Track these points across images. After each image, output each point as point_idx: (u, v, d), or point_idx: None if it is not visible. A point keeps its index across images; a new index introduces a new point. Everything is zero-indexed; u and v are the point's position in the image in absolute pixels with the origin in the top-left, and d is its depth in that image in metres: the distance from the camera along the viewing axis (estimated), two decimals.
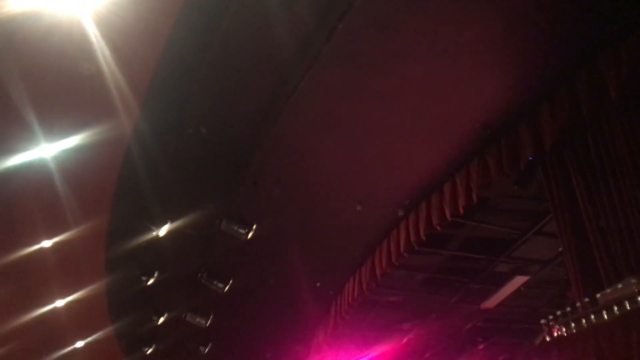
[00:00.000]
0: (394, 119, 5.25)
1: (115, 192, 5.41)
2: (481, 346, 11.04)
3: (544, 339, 3.83)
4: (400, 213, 6.63)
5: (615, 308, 3.34)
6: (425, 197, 6.31)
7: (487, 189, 5.80)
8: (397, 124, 5.31)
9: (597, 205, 4.77)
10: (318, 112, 5.15)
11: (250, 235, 6.18)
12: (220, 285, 7.24)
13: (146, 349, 8.91)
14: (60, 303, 7.18)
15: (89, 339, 8.37)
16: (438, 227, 6.22)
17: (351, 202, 6.41)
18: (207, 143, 5.26)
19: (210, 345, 9.21)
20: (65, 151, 4.85)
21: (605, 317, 3.36)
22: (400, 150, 5.68)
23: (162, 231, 6.00)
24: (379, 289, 8.02)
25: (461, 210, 5.86)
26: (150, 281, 6.77)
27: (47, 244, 6.19)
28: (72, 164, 5.01)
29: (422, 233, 6.35)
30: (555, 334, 3.69)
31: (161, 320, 7.88)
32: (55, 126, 4.74)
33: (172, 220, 6.00)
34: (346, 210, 6.53)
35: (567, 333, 3.63)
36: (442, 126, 5.41)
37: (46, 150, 4.92)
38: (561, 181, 5.24)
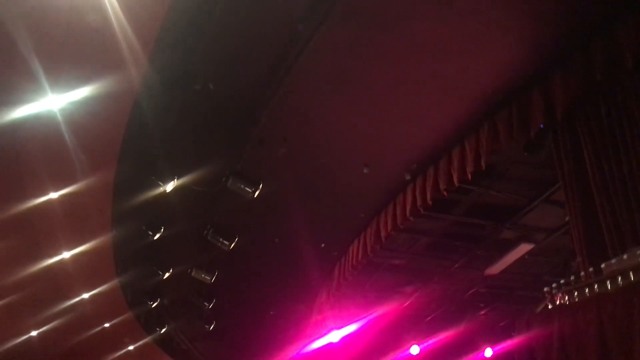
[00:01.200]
0: (404, 80, 5.17)
1: (122, 146, 5.40)
2: (483, 312, 11.15)
3: (546, 306, 3.83)
4: (408, 177, 6.60)
5: (619, 278, 3.33)
6: (433, 161, 6.27)
7: (496, 155, 5.74)
8: (406, 85, 5.23)
9: (606, 175, 4.72)
10: (327, 71, 5.08)
11: (256, 194, 6.17)
12: (225, 242, 7.28)
13: (151, 303, 9.04)
14: (66, 255, 7.26)
15: (94, 291, 8.49)
16: (445, 192, 6.19)
17: (358, 164, 6.38)
18: (214, 99, 5.21)
19: (214, 301, 9.33)
20: (73, 103, 4.81)
21: (609, 287, 3.35)
22: (409, 113, 5.61)
23: (169, 187, 5.99)
24: (383, 252, 8.06)
25: (469, 176, 5.81)
26: (157, 236, 6.81)
27: (54, 195, 6.21)
28: (80, 116, 4.98)
29: (428, 197, 6.33)
30: (558, 302, 3.69)
31: (166, 275, 7.97)
32: (62, 78, 4.70)
33: (179, 176, 5.99)
34: (353, 172, 6.50)
35: (569, 301, 3.63)
36: (452, 89, 5.33)
37: (53, 101, 4.89)
38: (571, 149, 5.18)
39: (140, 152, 5.75)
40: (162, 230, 6.83)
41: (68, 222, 6.67)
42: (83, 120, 5.00)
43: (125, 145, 5.45)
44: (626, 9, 4.40)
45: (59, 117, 4.90)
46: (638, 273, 3.25)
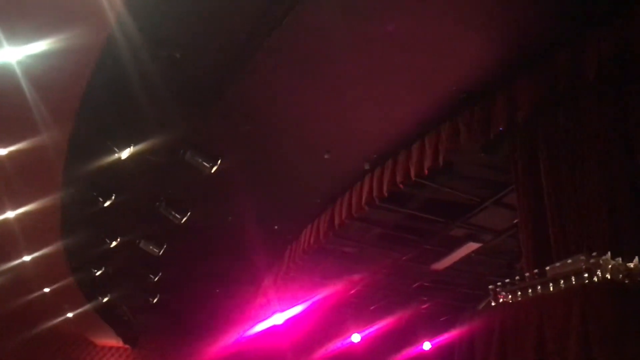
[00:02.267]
0: (373, 70, 5.18)
1: (81, 106, 5.22)
2: (425, 305, 11.38)
3: (489, 303, 3.93)
4: (367, 166, 6.65)
5: (562, 281, 3.44)
6: (393, 154, 6.33)
7: (454, 154, 5.83)
8: (375, 75, 5.25)
9: (558, 183, 4.87)
10: (297, 53, 5.04)
11: (214, 169, 6.09)
12: (177, 216, 7.18)
13: (95, 270, 8.85)
14: (11, 214, 7.02)
15: (37, 254, 8.24)
16: (401, 185, 6.27)
17: (320, 149, 6.38)
18: (180, 70, 5.10)
19: (160, 274, 9.22)
20: (30, 57, 4.62)
21: (551, 289, 3.46)
22: (375, 103, 5.64)
23: (125, 154, 5.85)
24: (335, 239, 8.12)
25: (426, 172, 5.91)
26: (107, 203, 6.65)
27: (3, 151, 5.98)
28: (37, 71, 4.77)
29: (385, 189, 6.40)
30: (501, 300, 3.80)
31: (114, 243, 7.81)
32: (20, 30, 4.49)
33: (136, 144, 5.85)
34: (314, 157, 6.50)
35: (512, 300, 3.73)
36: (419, 83, 5.38)
37: (9, 54, 4.68)
38: (527, 155, 5.31)
39: (99, 115, 5.58)
40: (113, 197, 6.67)
41: (16, 179, 6.43)
42: (41, 76, 4.80)
43: (84, 106, 5.26)
44: (592, 23, 4.52)
45: (17, 70, 4.70)
46: (580, 277, 3.37)
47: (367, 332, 12.22)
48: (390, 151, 6.34)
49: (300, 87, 5.44)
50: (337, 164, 6.65)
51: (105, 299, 10.22)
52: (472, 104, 5.42)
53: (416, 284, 10.41)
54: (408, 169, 6.10)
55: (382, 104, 5.68)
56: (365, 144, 6.37)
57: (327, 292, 10.49)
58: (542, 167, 5.06)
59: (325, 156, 6.40)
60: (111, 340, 13.30)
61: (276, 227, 8.29)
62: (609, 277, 3.28)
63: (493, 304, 3.88)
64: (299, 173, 6.96)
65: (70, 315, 11.45)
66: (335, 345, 12.53)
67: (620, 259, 3.46)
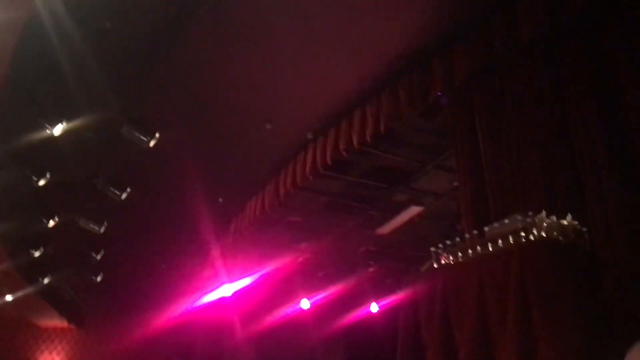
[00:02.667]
0: (312, 36, 5.13)
1: (6, 80, 4.96)
2: (372, 269, 11.60)
3: (431, 265, 4.02)
4: (309, 136, 6.63)
5: (500, 241, 3.55)
6: (335, 122, 6.33)
7: (395, 120, 5.88)
8: (314, 41, 5.20)
9: (495, 145, 5.00)
10: (233, 21, 4.92)
11: (152, 143, 5.93)
12: (117, 192, 6.99)
13: (34, 252, 8.56)
14: None
15: None
16: (344, 153, 6.30)
17: (261, 120, 6.31)
18: (110, 41, 4.90)
19: (103, 252, 9.00)
20: None
21: (491, 248, 3.57)
22: (315, 71, 5.60)
23: (57, 130, 5.61)
24: (280, 209, 8.11)
25: (368, 139, 5.94)
26: (42, 182, 6.39)
27: None
28: None
29: (328, 157, 6.42)
30: (443, 262, 3.89)
31: (52, 223, 7.54)
32: None
33: (69, 120, 5.62)
34: (255, 128, 6.43)
35: (453, 262, 3.83)
36: (359, 50, 5.36)
37: None
38: (465, 119, 5.43)
39: (27, 91, 5.32)
40: (48, 176, 6.42)
41: None
42: None
43: (9, 83, 5.01)
44: None
45: None
46: (517, 237, 3.47)
47: (316, 298, 12.38)
48: (333, 119, 6.34)
49: (237, 57, 5.33)
50: (280, 134, 6.60)
51: (47, 280, 9.92)
52: (411, 70, 5.46)
53: (362, 249, 10.57)
54: (351, 136, 6.13)
55: (322, 72, 5.65)
56: (307, 112, 6.33)
57: (275, 261, 10.53)
58: (479, 131, 5.18)
59: (267, 126, 6.34)
60: (56, 322, 12.98)
61: (220, 199, 8.20)
62: (544, 235, 3.40)
63: (435, 265, 3.97)
64: (241, 144, 6.87)
65: (9, 298, 11.07)
66: (284, 312, 12.66)
67: (554, 217, 3.59)
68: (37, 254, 8.63)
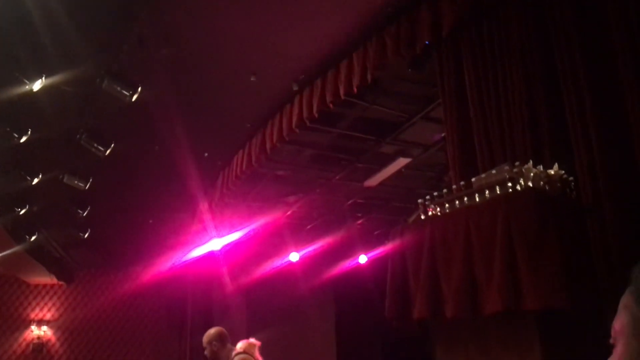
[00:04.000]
0: None
1: None
2: (360, 221, 11.69)
3: (419, 216, 4.03)
4: (295, 87, 6.52)
5: (487, 192, 3.54)
6: (321, 73, 6.22)
7: (382, 70, 5.80)
8: None
9: (483, 95, 4.96)
10: None
11: (134, 97, 5.80)
12: (100, 148, 6.87)
13: (19, 210, 8.48)
14: None
15: None
16: (331, 105, 6.21)
17: (245, 71, 6.18)
18: None
19: (89, 208, 8.95)
20: None
21: (478, 199, 3.57)
22: (300, 20, 5.45)
23: (36, 86, 5.46)
24: (267, 163, 8.08)
25: (355, 90, 5.85)
26: (23, 139, 6.27)
27: None
28: None
29: (315, 110, 6.33)
30: (430, 213, 3.89)
31: (35, 180, 7.45)
32: None
33: (47, 75, 5.47)
34: (239, 80, 6.30)
35: (440, 212, 3.83)
36: None
37: None
38: (453, 68, 5.36)
39: (3, 45, 5.15)
40: (30, 132, 6.29)
41: None
42: None
43: None
44: None
45: None
46: (504, 187, 3.47)
47: (305, 250, 12.51)
48: (319, 70, 6.22)
49: (220, 6, 5.17)
50: (265, 86, 6.48)
51: (34, 238, 9.89)
52: (397, 18, 5.34)
53: (350, 202, 10.63)
54: (337, 87, 6.03)
55: (307, 21, 5.50)
56: (292, 64, 6.21)
57: (263, 215, 10.57)
58: (467, 80, 5.12)
59: (252, 79, 6.21)
60: (45, 278, 13.04)
61: (206, 154, 8.13)
62: (530, 185, 3.40)
63: (422, 217, 3.97)
64: (225, 97, 6.75)
65: None
66: (274, 265, 12.79)
67: (541, 167, 3.59)
68: (22, 211, 8.57)
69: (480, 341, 3.39)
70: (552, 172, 3.60)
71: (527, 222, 3.18)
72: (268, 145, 7.23)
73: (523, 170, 3.47)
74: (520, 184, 3.42)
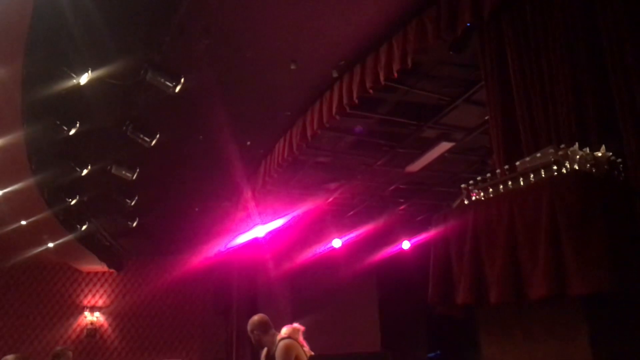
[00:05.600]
0: None
1: (30, 32, 4.95)
2: (402, 207, 11.63)
3: (462, 201, 3.99)
4: (335, 74, 6.52)
5: (532, 175, 3.48)
6: (361, 58, 6.20)
7: (422, 54, 5.73)
8: None
9: (527, 77, 4.84)
10: None
11: (177, 88, 5.91)
12: (146, 139, 7.04)
13: (69, 200, 8.78)
14: None
15: (8, 189, 8.12)
16: (371, 90, 6.18)
17: (285, 60, 6.21)
18: None
19: (137, 198, 9.19)
20: None
21: (522, 183, 3.51)
22: (339, 7, 5.44)
23: (83, 79, 5.62)
24: (308, 150, 8.12)
25: (395, 74, 5.81)
26: (72, 131, 6.47)
27: None
28: None
29: (354, 95, 6.31)
30: (473, 198, 3.85)
31: (85, 171, 7.69)
32: None
33: (94, 68, 5.62)
34: (279, 68, 6.34)
35: (484, 197, 3.79)
36: None
37: None
38: (495, 50, 5.24)
39: (50, 41, 5.32)
40: (78, 125, 6.49)
41: None
42: None
43: (33, 33, 5.00)
44: None
45: None
46: (549, 170, 3.40)
47: (347, 236, 12.54)
48: (358, 56, 6.20)
49: None
50: (304, 74, 6.50)
51: (84, 227, 10.23)
52: (437, 1, 5.26)
53: (392, 187, 10.58)
54: (377, 73, 5.99)
55: (346, 7, 5.49)
56: (332, 50, 6.20)
57: (304, 202, 10.63)
58: (510, 62, 5.01)
59: (292, 67, 6.24)
60: (96, 267, 13.48)
61: (248, 142, 8.22)
62: (576, 168, 3.32)
63: (466, 201, 3.93)
64: (266, 86, 6.81)
65: (51, 245, 11.50)
66: (316, 251, 12.88)
67: (587, 149, 3.50)
68: (73, 202, 8.86)
69: (525, 326, 3.35)
70: (599, 154, 3.51)
71: (573, 205, 3.11)
72: (309, 132, 7.27)
73: (569, 152, 3.39)
74: (565, 167, 3.34)
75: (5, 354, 6.22)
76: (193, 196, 10.27)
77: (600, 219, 3.04)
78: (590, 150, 3.49)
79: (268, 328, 5.36)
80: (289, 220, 11.31)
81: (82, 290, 14.11)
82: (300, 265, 12.85)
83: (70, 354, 5.96)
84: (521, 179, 3.54)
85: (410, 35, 5.55)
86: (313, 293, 13.00)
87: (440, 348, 13.98)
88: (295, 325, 5.59)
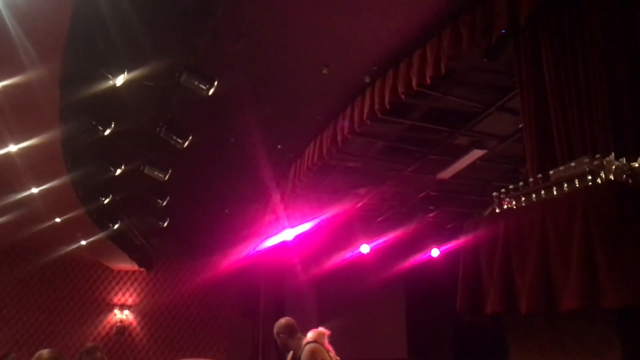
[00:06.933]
0: None
1: (69, 35, 5.07)
2: (432, 214, 11.54)
3: (493, 210, 3.95)
4: (367, 79, 6.51)
5: (565, 185, 3.42)
6: (394, 64, 6.17)
7: (456, 60, 5.69)
8: None
9: (563, 85, 4.75)
10: None
11: (211, 91, 5.98)
12: (179, 140, 7.13)
13: (103, 199, 8.95)
14: (13, 148, 7.01)
15: (44, 187, 8.32)
16: (403, 96, 6.15)
17: (317, 64, 6.23)
18: None
19: (168, 198, 9.31)
20: None
21: (555, 192, 3.45)
22: (373, 12, 5.43)
23: (119, 80, 5.73)
24: (338, 155, 8.11)
25: (428, 80, 5.77)
26: (107, 131, 6.60)
27: None
28: (19, 2, 4.63)
29: (386, 101, 6.29)
30: (505, 206, 3.80)
31: (118, 171, 7.83)
32: None
33: (129, 70, 5.72)
34: (311, 73, 6.37)
35: (516, 206, 3.74)
36: None
37: None
38: (530, 57, 5.16)
39: (88, 42, 5.43)
40: (113, 125, 6.61)
41: (13, 114, 6.38)
42: (25, 5, 4.65)
43: (72, 34, 5.12)
44: None
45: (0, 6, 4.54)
46: (583, 180, 3.34)
47: (375, 242, 12.49)
48: (391, 61, 6.18)
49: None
50: (336, 78, 6.51)
51: (116, 226, 10.41)
52: (472, 7, 5.22)
53: (422, 194, 10.50)
54: (409, 78, 5.96)
55: (380, 12, 5.48)
56: (364, 56, 6.20)
57: (333, 206, 10.63)
58: (545, 69, 4.93)
59: (324, 71, 6.26)
60: (127, 265, 13.70)
61: (279, 146, 8.26)
62: (612, 178, 3.25)
63: (497, 210, 3.89)
64: (297, 90, 6.84)
65: (83, 242, 11.73)
66: (344, 256, 12.85)
67: (624, 159, 3.43)
68: (106, 200, 9.02)
69: (556, 337, 3.29)
70: (637, 165, 3.43)
71: (608, 217, 3.04)
72: (339, 138, 7.27)
73: (604, 162, 3.32)
74: (600, 177, 3.27)
75: (38, 348, 6.35)
76: (223, 198, 10.36)
77: (636, 232, 2.97)
78: (626, 161, 3.41)
79: (294, 331, 5.36)
80: (318, 225, 11.31)
81: (113, 288, 14.34)
82: (327, 270, 12.84)
83: (99, 354, 6.06)
84: (554, 188, 3.49)
85: (444, 41, 5.51)
86: (340, 298, 12.98)
87: (467, 357, 13.80)
88: (321, 329, 5.58)
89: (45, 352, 5.41)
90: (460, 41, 5.32)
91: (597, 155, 3.43)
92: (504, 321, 3.76)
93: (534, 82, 5.05)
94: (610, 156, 3.40)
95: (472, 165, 8.96)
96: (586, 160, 3.39)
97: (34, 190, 8.48)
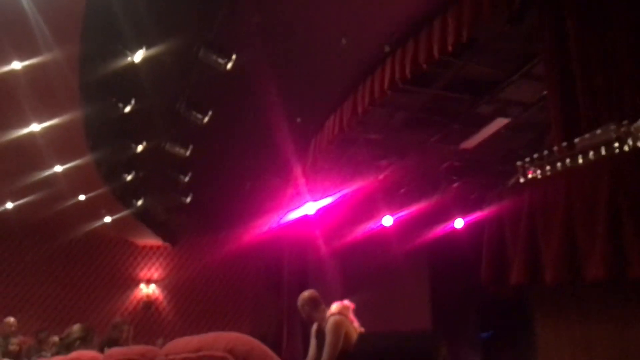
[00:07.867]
0: None
1: (87, 12, 5.07)
2: (455, 184, 11.43)
3: (517, 180, 3.88)
4: (387, 49, 6.39)
5: (591, 153, 3.34)
6: (414, 32, 6.05)
7: (478, 27, 5.55)
8: None
9: (587, 49, 4.62)
10: None
11: (229, 66, 5.95)
12: (199, 116, 7.15)
13: (126, 176, 9.04)
14: (36, 127, 7.09)
15: (67, 165, 8.43)
16: (424, 65, 6.04)
17: (336, 35, 6.14)
18: None
19: (190, 174, 9.37)
20: None
21: (580, 161, 3.37)
22: None
23: (137, 57, 5.73)
24: (359, 127, 8.04)
25: (450, 48, 5.65)
26: (127, 109, 6.63)
27: (17, 65, 5.93)
28: None
29: (407, 70, 6.18)
30: (530, 176, 3.73)
31: (140, 148, 7.89)
32: None
33: (148, 46, 5.71)
34: (330, 44, 6.28)
35: (540, 175, 3.67)
36: None
37: None
38: (554, 23, 5.02)
39: (106, 19, 5.43)
40: (133, 102, 6.64)
41: (35, 94, 6.44)
42: None
43: (90, 11, 5.12)
44: None
45: None
46: (610, 148, 3.25)
47: (398, 214, 12.44)
48: (411, 30, 6.05)
49: None
50: (356, 48, 6.41)
51: (140, 202, 10.52)
52: None
53: (445, 164, 10.39)
54: (431, 47, 5.84)
55: None
56: (384, 24, 6.08)
57: (355, 179, 10.59)
58: (570, 35, 4.79)
59: (343, 42, 6.16)
60: (151, 240, 13.89)
61: (299, 119, 8.22)
62: (639, 146, 3.16)
63: (521, 180, 3.82)
64: (316, 62, 6.76)
65: (108, 219, 11.91)
66: (367, 229, 12.84)
67: None
68: (129, 177, 9.11)
69: (580, 308, 3.25)
70: None
71: (635, 185, 2.97)
72: (359, 109, 7.18)
73: (632, 129, 3.22)
74: (627, 145, 3.18)
75: (68, 324, 6.50)
76: (245, 173, 10.39)
77: None
78: None
79: (318, 304, 5.40)
80: (340, 198, 11.30)
81: (138, 264, 14.58)
82: (350, 243, 12.85)
83: (127, 328, 6.19)
84: (580, 156, 3.40)
85: (465, 7, 5.37)
86: (363, 271, 13.00)
87: (492, 328, 13.81)
88: (346, 302, 5.60)
89: (76, 327, 5.54)
90: (482, 7, 5.18)
91: (624, 122, 3.32)
92: (527, 292, 3.72)
93: (558, 48, 4.92)
94: (638, 122, 3.30)
95: (496, 135, 8.81)
96: (612, 127, 3.29)
97: (58, 168, 8.59)
